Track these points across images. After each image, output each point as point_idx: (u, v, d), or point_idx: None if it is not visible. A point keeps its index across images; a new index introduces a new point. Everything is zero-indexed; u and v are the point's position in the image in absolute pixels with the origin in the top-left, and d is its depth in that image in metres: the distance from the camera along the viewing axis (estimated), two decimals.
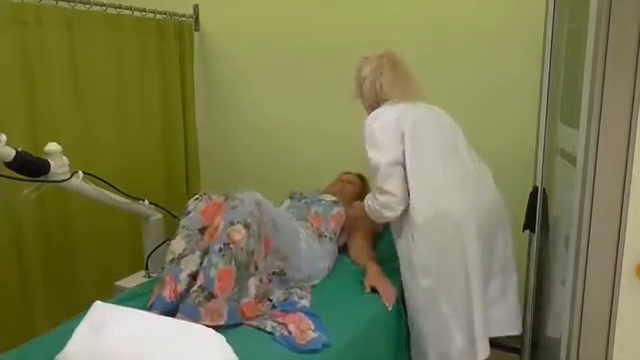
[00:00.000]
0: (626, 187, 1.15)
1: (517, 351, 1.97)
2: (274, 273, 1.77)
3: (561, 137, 1.79)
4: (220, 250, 1.53)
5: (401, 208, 1.77)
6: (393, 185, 1.75)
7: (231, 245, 1.54)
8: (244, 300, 1.60)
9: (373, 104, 1.94)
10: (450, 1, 2.44)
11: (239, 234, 1.57)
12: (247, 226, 1.59)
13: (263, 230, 1.67)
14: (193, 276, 1.58)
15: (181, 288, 1.57)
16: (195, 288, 1.51)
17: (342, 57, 2.69)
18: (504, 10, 2.32)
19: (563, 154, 1.74)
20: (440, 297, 1.75)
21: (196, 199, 1.76)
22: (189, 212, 1.73)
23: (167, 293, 1.56)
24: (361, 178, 2.49)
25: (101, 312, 1.43)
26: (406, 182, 1.77)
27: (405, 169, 1.77)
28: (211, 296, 1.51)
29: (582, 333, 1.25)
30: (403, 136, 1.77)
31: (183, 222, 1.72)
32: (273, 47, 2.87)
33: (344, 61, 2.68)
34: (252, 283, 1.63)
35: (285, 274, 1.80)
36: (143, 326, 1.38)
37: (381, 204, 1.78)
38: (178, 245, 1.66)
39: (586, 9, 1.22)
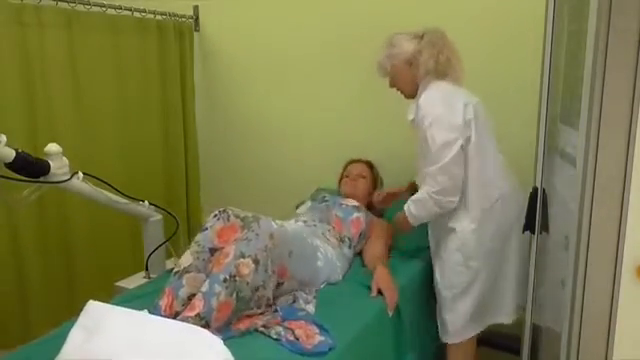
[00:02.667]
0: (626, 187, 1.15)
1: (517, 351, 1.97)
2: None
3: (561, 138, 1.79)
4: (225, 281, 1.51)
5: (458, 195, 1.83)
6: (460, 168, 1.80)
7: (237, 278, 1.52)
8: (234, 320, 1.58)
9: (418, 81, 1.93)
10: (449, 2, 2.44)
11: (247, 268, 1.54)
12: (257, 262, 1.56)
13: (277, 261, 1.65)
14: (190, 297, 1.57)
15: (178, 306, 1.56)
16: (193, 315, 1.47)
17: (343, 57, 2.71)
18: (503, 10, 2.32)
19: (563, 155, 1.74)
20: (482, 277, 1.90)
21: (215, 215, 1.73)
22: (206, 229, 1.71)
23: (163, 305, 1.56)
24: (369, 165, 2.46)
25: (95, 313, 1.41)
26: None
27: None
28: (207, 325, 1.48)
29: (582, 334, 1.25)
30: (470, 124, 1.83)
31: (197, 237, 1.71)
32: (273, 48, 2.87)
33: (345, 61, 2.70)
34: (244, 317, 1.60)
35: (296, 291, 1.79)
36: (139, 328, 1.37)
37: (442, 190, 1.80)
38: (185, 259, 1.65)
39: (586, 9, 1.22)
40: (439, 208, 1.85)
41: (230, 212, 1.72)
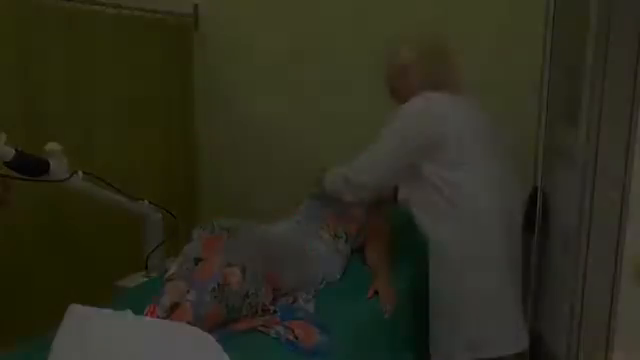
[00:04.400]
0: (626, 187, 1.15)
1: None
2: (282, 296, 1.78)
3: (561, 138, 1.80)
4: (213, 290, 1.51)
5: (371, 195, 1.93)
6: (389, 177, 1.85)
7: (225, 287, 1.53)
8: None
9: (413, 94, 1.82)
10: (449, 1, 2.44)
11: (235, 277, 1.55)
12: (244, 270, 1.57)
13: (266, 268, 1.66)
14: (173, 306, 1.56)
15: (160, 312, 1.55)
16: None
17: (344, 58, 2.71)
18: (503, 10, 2.33)
19: (563, 155, 1.74)
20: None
21: (201, 227, 1.75)
22: (192, 240, 1.74)
23: (147, 312, 1.56)
24: None
25: (79, 316, 1.39)
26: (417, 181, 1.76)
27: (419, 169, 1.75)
28: None
29: (582, 333, 1.26)
30: (445, 137, 1.72)
31: (185, 248, 1.73)
32: (274, 47, 2.87)
33: (346, 61, 2.70)
34: (241, 319, 1.60)
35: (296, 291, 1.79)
36: (127, 329, 1.36)
37: (351, 186, 1.87)
38: (172, 269, 1.67)
39: (586, 10, 1.22)
40: (348, 192, 1.91)
41: (215, 224, 1.74)
